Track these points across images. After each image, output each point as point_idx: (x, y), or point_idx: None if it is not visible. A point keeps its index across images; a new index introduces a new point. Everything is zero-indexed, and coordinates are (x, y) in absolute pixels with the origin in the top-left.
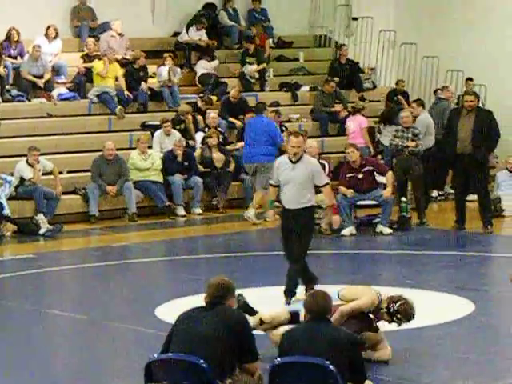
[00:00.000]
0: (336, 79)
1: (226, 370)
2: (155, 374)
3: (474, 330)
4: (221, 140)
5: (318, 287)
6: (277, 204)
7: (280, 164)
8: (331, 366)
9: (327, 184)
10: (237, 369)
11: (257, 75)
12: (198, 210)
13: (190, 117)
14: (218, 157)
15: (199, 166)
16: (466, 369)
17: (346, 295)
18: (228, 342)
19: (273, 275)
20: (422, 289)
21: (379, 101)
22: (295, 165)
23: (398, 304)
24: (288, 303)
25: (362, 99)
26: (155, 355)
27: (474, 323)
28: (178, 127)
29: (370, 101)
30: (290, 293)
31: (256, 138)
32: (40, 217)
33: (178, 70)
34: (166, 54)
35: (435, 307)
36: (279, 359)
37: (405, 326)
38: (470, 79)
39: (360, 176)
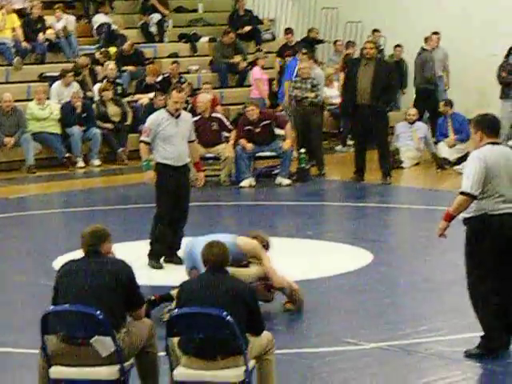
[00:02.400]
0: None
1: (119, 319)
2: (51, 326)
3: (371, 281)
4: (119, 92)
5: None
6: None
7: (161, 120)
8: (228, 317)
9: (195, 140)
10: (128, 317)
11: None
12: (97, 162)
13: (87, 68)
14: (113, 110)
15: (97, 122)
16: (360, 320)
17: (246, 247)
18: (117, 290)
19: None
20: (321, 240)
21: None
22: (177, 120)
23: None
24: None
25: (259, 50)
26: (51, 307)
27: (371, 274)
28: (76, 79)
29: (269, 52)
30: (160, 255)
31: (286, 80)
32: None
33: (72, 19)
34: (56, 5)
35: (334, 258)
36: (176, 310)
37: (302, 276)
38: (377, 30)
39: (258, 130)
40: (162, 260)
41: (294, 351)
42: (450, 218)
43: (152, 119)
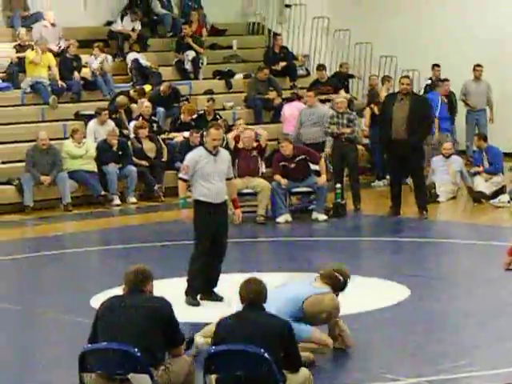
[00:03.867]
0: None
1: (158, 356)
2: (89, 364)
3: (408, 316)
4: (155, 129)
5: (256, 275)
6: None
7: (199, 157)
8: (266, 354)
9: (232, 177)
10: (167, 355)
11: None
12: (133, 199)
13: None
14: (149, 147)
15: (133, 158)
16: (399, 354)
17: (310, 309)
18: (157, 328)
19: None
20: (357, 274)
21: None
22: (216, 157)
23: (342, 277)
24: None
25: (294, 86)
26: (89, 345)
27: (409, 308)
28: (113, 116)
29: (303, 88)
30: (197, 293)
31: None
32: None
33: (109, 58)
34: (95, 44)
35: (371, 293)
36: (214, 347)
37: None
38: (437, 65)
39: (293, 166)
40: (198, 297)
41: None
42: None
43: (190, 157)
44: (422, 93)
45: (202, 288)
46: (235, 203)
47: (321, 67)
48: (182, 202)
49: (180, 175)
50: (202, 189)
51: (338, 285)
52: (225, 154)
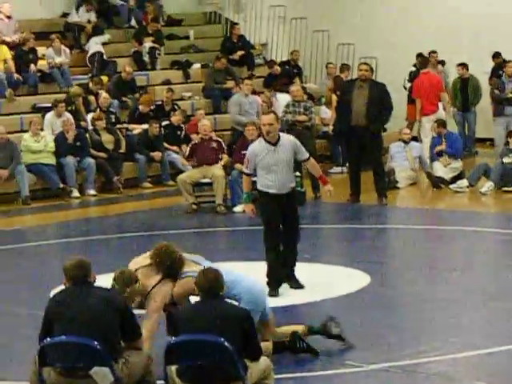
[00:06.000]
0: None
1: (116, 349)
2: (49, 358)
3: (369, 303)
4: (113, 120)
5: (213, 265)
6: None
7: (258, 149)
8: (226, 343)
9: (310, 157)
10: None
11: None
12: (92, 192)
13: (80, 98)
14: (107, 139)
15: (91, 150)
16: (360, 341)
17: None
18: (114, 320)
19: None
20: (318, 262)
21: None
22: (276, 147)
23: None
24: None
25: (251, 76)
26: (49, 339)
27: (369, 295)
28: (69, 108)
29: (261, 76)
30: (278, 283)
31: None
32: None
33: (67, 50)
34: (53, 36)
35: (331, 281)
36: (174, 338)
37: (299, 300)
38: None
39: None
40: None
41: (296, 375)
42: None
43: (250, 150)
44: (407, 79)
45: (282, 278)
46: (322, 179)
47: (271, 62)
48: (245, 197)
49: (243, 169)
50: (265, 180)
51: None
52: (287, 142)
